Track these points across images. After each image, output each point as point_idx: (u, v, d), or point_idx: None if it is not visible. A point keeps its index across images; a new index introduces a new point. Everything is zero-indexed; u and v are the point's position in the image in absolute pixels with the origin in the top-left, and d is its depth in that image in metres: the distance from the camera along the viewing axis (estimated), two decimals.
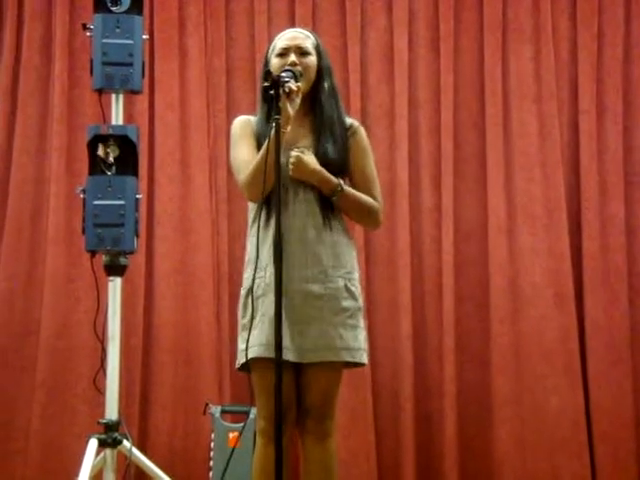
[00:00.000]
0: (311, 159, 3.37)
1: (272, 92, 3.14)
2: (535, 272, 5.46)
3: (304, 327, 3.34)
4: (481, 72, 5.61)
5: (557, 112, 5.57)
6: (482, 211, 5.53)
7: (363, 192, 3.50)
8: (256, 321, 3.33)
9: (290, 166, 3.34)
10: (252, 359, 3.33)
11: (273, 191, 3.24)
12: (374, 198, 3.53)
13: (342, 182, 3.43)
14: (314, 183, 3.39)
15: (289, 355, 3.28)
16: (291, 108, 3.24)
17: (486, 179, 5.53)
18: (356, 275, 3.50)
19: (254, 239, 3.39)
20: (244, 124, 3.55)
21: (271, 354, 3.13)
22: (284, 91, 3.18)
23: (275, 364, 3.00)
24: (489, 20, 5.60)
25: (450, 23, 5.59)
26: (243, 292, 3.46)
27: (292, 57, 3.42)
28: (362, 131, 3.61)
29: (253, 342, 3.30)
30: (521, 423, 5.35)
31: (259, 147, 3.39)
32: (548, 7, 5.61)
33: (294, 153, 3.34)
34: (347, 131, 3.55)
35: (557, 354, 5.40)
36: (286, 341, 3.25)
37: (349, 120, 3.62)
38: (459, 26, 5.64)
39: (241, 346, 3.38)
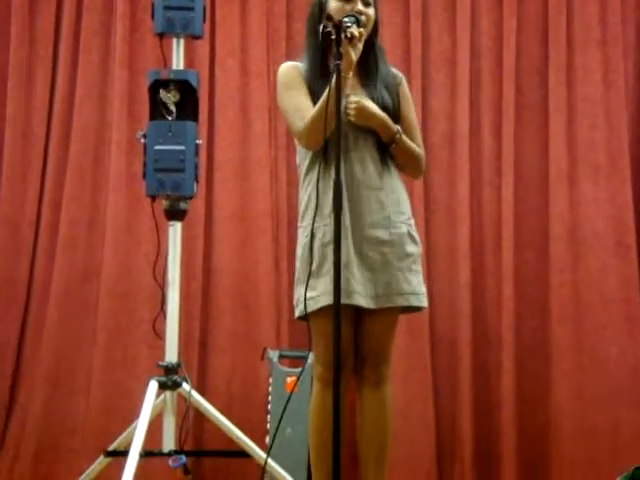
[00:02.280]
0: (372, 104, 3.36)
1: (334, 37, 3.11)
2: (596, 221, 5.40)
3: (372, 273, 3.34)
4: (545, 18, 5.52)
5: (622, 57, 5.48)
6: (543, 159, 5.47)
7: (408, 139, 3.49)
8: (325, 269, 3.31)
9: (352, 112, 3.31)
10: (322, 307, 3.31)
11: (330, 138, 3.23)
12: (418, 146, 3.53)
13: (399, 129, 3.41)
14: (375, 128, 3.38)
15: (361, 300, 3.29)
16: (354, 54, 3.20)
17: (548, 126, 5.46)
18: (413, 220, 3.52)
19: (312, 187, 3.38)
20: (293, 70, 3.50)
21: (346, 300, 3.16)
22: (346, 36, 3.14)
23: (334, 311, 3.00)
24: None
25: None
26: (305, 240, 3.40)
27: (359, 5, 3.36)
28: (405, 83, 3.61)
29: (324, 289, 3.28)
30: (580, 373, 5.31)
31: (312, 94, 3.37)
32: None
33: (354, 99, 3.32)
34: (394, 80, 3.53)
35: (617, 304, 5.35)
36: (358, 287, 3.28)
37: (394, 70, 3.60)
38: None
39: (309, 294, 3.32)
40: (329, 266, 3.27)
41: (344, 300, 3.14)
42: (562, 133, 5.43)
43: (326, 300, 3.28)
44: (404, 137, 3.43)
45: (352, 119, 3.32)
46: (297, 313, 3.43)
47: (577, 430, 5.26)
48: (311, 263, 3.35)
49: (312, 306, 3.33)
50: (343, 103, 3.24)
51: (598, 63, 5.48)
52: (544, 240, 5.43)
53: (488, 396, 5.38)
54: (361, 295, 3.29)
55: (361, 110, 3.32)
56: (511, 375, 5.30)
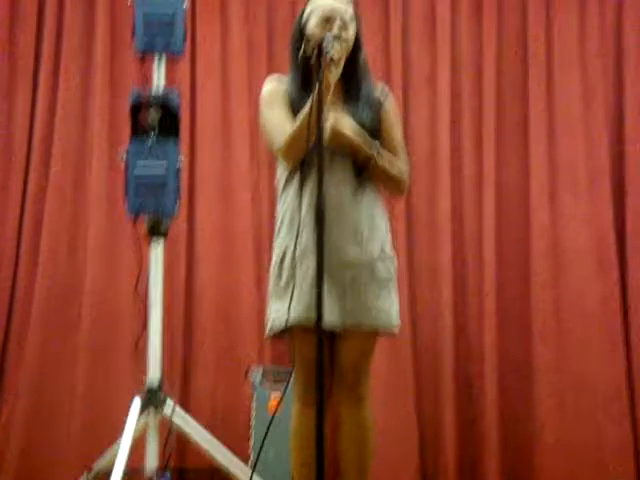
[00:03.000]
0: (348, 126, 3.35)
1: (313, 60, 3.12)
2: (577, 237, 5.44)
3: (342, 293, 3.33)
4: (524, 35, 5.58)
5: (602, 75, 5.53)
6: (524, 176, 5.51)
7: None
8: (291, 287, 3.31)
9: (326, 134, 3.30)
10: (293, 324, 3.31)
11: (306, 156, 3.26)
12: (403, 163, 3.50)
13: (377, 152, 3.39)
14: (347, 151, 3.36)
15: (327, 321, 3.28)
16: (332, 77, 3.20)
17: (528, 144, 5.50)
18: (389, 240, 3.50)
19: (287, 204, 3.41)
20: (277, 85, 3.52)
21: (311, 318, 3.13)
22: (325, 60, 3.13)
23: (315, 331, 2.97)
24: None
25: None
26: (276, 258, 3.43)
27: (335, 29, 3.36)
28: (391, 100, 3.59)
29: (292, 308, 3.28)
30: (562, 388, 5.34)
31: (294, 113, 3.38)
32: None
33: (330, 121, 3.29)
34: (379, 96, 3.53)
35: (599, 320, 5.39)
36: (325, 306, 3.25)
37: (379, 84, 3.60)
38: None
39: (276, 312, 3.35)
40: (298, 283, 3.30)
41: (309, 318, 3.11)
42: (543, 151, 5.47)
43: (297, 318, 3.28)
44: (381, 160, 3.40)
45: (326, 139, 3.29)
46: (266, 331, 3.44)
47: (560, 445, 5.27)
48: (280, 281, 3.37)
49: (278, 325, 3.35)
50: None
51: (577, 82, 5.53)
52: (525, 257, 5.46)
53: (471, 412, 5.39)
54: (328, 315, 3.22)
55: (334, 134, 3.30)
56: (494, 391, 5.31)
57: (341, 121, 3.33)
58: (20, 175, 5.41)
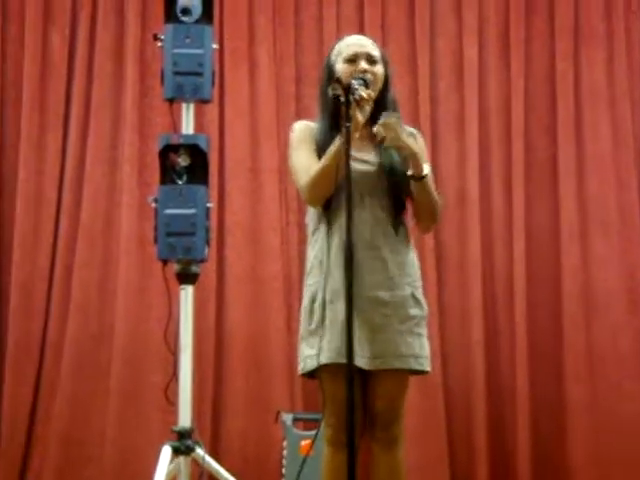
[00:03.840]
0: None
1: (342, 99, 3.12)
2: (608, 278, 5.41)
3: (372, 334, 3.30)
4: (552, 77, 5.57)
5: (630, 115, 5.52)
6: (554, 217, 5.49)
7: None
8: (322, 328, 3.30)
9: (382, 128, 3.21)
10: (323, 365, 3.29)
11: (334, 198, 3.26)
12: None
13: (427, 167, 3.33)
14: (406, 152, 3.28)
15: (357, 361, 3.26)
16: (361, 116, 3.21)
17: (558, 184, 5.49)
18: (420, 283, 3.46)
19: (318, 246, 3.40)
20: (304, 128, 3.52)
21: (341, 360, 3.13)
22: (354, 99, 3.15)
23: (346, 372, 2.98)
24: (560, 24, 5.58)
25: (521, 28, 5.57)
26: (307, 300, 3.42)
27: (363, 64, 3.37)
28: (420, 137, 3.55)
29: (319, 349, 3.27)
30: (596, 430, 5.29)
31: (319, 154, 3.37)
32: (620, 10, 5.56)
33: (387, 118, 3.23)
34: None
35: (632, 360, 5.35)
36: (355, 347, 3.24)
37: (408, 128, 3.58)
38: (530, 31, 5.62)
39: (307, 352, 3.34)
40: (328, 325, 3.29)
41: (340, 360, 3.14)
42: (572, 191, 5.45)
43: (327, 358, 3.27)
44: (430, 178, 3.34)
45: (383, 134, 3.22)
46: (299, 371, 3.43)
47: None
48: (311, 322, 3.36)
49: (310, 365, 3.33)
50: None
51: (606, 120, 5.52)
52: (557, 298, 5.43)
53: (504, 453, 5.36)
54: (358, 355, 3.21)
55: (393, 128, 3.23)
56: (526, 432, 5.27)
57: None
58: (51, 221, 5.45)
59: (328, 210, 3.38)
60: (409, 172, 3.30)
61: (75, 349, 5.34)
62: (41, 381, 5.37)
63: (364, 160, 3.39)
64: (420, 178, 3.30)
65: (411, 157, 3.29)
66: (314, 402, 4.95)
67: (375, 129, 3.20)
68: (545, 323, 5.45)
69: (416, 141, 3.44)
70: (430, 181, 3.35)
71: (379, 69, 3.42)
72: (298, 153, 3.47)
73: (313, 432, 4.59)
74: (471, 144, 5.49)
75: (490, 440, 5.32)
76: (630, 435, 5.27)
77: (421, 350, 3.38)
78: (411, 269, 3.43)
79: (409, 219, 3.49)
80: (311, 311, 3.38)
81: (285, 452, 4.91)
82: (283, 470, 4.89)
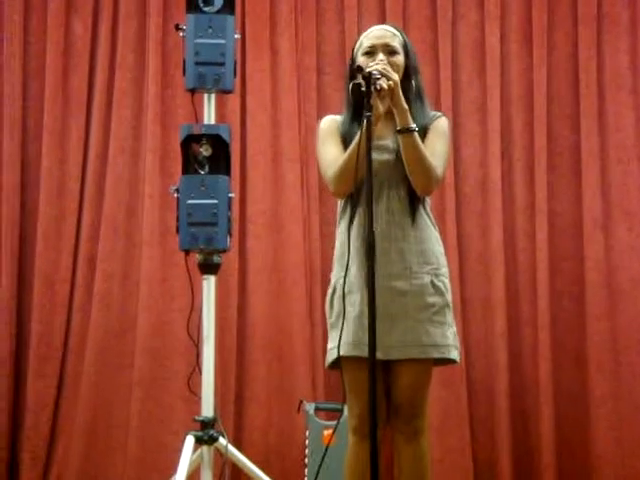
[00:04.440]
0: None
1: (363, 89, 3.12)
2: (632, 268, 5.38)
3: (389, 324, 3.31)
4: (575, 65, 5.53)
5: None
6: (577, 206, 5.46)
7: None
8: (341, 320, 3.31)
9: (384, 85, 3.20)
10: (342, 357, 3.31)
11: (358, 188, 3.25)
12: (437, 164, 3.37)
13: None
14: (394, 106, 3.28)
15: (376, 352, 3.27)
16: (382, 106, 3.21)
17: (581, 173, 5.45)
18: (444, 270, 3.46)
19: (341, 237, 3.43)
20: (330, 123, 3.55)
21: (358, 352, 3.19)
22: (375, 88, 3.15)
23: (369, 363, 2.98)
24: (583, 12, 5.52)
25: (543, 16, 5.52)
26: (329, 290, 3.47)
27: (380, 56, 3.37)
28: (443, 119, 3.53)
29: (338, 341, 3.28)
30: (619, 421, 5.27)
31: (345, 146, 3.39)
32: None
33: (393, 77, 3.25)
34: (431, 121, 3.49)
35: None
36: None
37: (434, 113, 3.56)
38: (553, 19, 5.57)
39: (330, 345, 3.39)
40: (347, 317, 3.30)
41: (357, 352, 3.21)
42: (595, 180, 5.41)
43: (344, 350, 3.29)
44: (417, 138, 3.30)
45: (380, 83, 3.19)
46: (325, 364, 3.48)
47: (617, 477, 5.20)
48: (331, 315, 3.41)
49: (329, 358, 3.38)
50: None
51: (629, 109, 5.48)
52: (580, 287, 5.40)
53: (527, 444, 5.35)
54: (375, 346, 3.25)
55: (392, 86, 3.24)
56: (550, 423, 5.25)
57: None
58: (74, 212, 5.46)
59: (350, 201, 3.40)
60: (397, 127, 3.30)
61: (98, 340, 5.35)
62: (64, 372, 5.39)
63: (383, 147, 3.41)
64: (409, 131, 3.29)
65: (401, 111, 3.29)
66: (336, 392, 4.95)
67: (380, 81, 3.18)
68: (568, 313, 5.42)
69: (435, 120, 3.49)
70: (419, 140, 3.32)
71: (399, 59, 3.43)
72: (325, 147, 3.50)
73: (335, 422, 4.61)
74: (493, 133, 5.46)
75: (513, 432, 5.30)
76: None
77: (443, 339, 3.38)
78: (432, 257, 3.43)
79: (429, 204, 3.49)
80: (331, 303, 3.43)
81: (307, 442, 4.92)
82: (306, 460, 4.90)
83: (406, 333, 3.33)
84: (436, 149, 3.41)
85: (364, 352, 3.11)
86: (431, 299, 3.38)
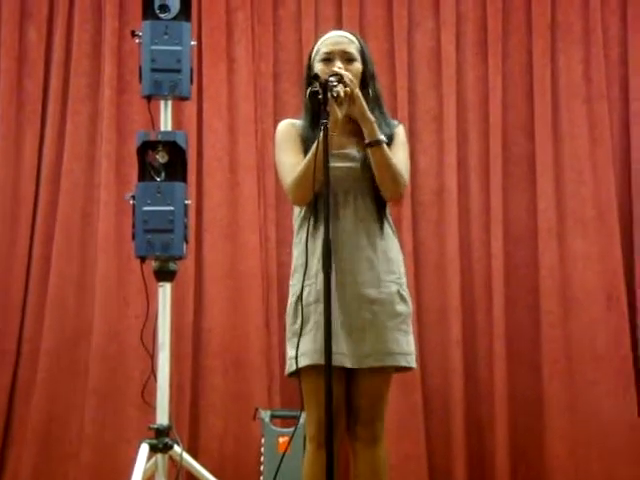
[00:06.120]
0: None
1: (320, 96, 3.12)
2: (586, 276, 5.42)
3: (360, 333, 3.31)
4: (530, 73, 5.58)
5: (607, 113, 5.52)
6: (532, 214, 5.50)
7: None
8: (308, 328, 3.31)
9: (341, 92, 3.20)
10: (307, 365, 3.29)
11: (320, 197, 3.24)
12: (403, 171, 3.39)
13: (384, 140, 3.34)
14: (359, 118, 3.30)
15: (346, 361, 3.26)
16: (340, 112, 3.20)
17: (535, 182, 5.49)
18: (405, 280, 3.47)
19: (302, 246, 3.37)
20: (289, 128, 3.51)
21: (322, 361, 3.13)
22: (332, 95, 3.15)
23: (325, 371, 2.98)
24: (538, 21, 5.57)
25: (498, 25, 5.56)
26: (293, 299, 3.41)
27: (337, 63, 3.37)
28: (401, 128, 3.54)
29: (305, 349, 3.27)
30: (573, 429, 5.30)
31: (305, 152, 3.36)
32: (598, 7, 5.56)
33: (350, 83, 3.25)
34: (390, 129, 3.49)
35: (609, 359, 5.35)
36: (343, 347, 3.25)
37: (392, 121, 3.57)
38: (507, 28, 5.61)
39: (291, 353, 3.34)
40: (312, 325, 3.30)
41: (322, 361, 3.10)
42: (550, 188, 5.45)
43: (307, 360, 3.27)
44: (385, 147, 3.31)
45: (337, 90, 3.19)
46: (285, 372, 3.43)
47: None
48: (295, 322, 3.36)
49: (294, 366, 3.32)
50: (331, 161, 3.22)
51: (584, 118, 5.52)
52: (534, 296, 5.43)
53: (482, 452, 5.37)
54: (345, 355, 3.25)
55: (354, 97, 3.26)
56: (504, 430, 5.28)
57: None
58: (28, 218, 5.43)
59: (312, 209, 3.37)
60: (366, 140, 3.31)
61: (52, 347, 5.32)
62: (18, 378, 5.35)
63: (348, 156, 3.39)
64: (379, 144, 3.30)
65: (368, 123, 3.30)
66: (292, 399, 4.95)
67: (337, 88, 3.19)
68: (523, 321, 5.45)
69: (397, 127, 3.50)
70: (387, 150, 3.33)
71: (355, 66, 3.42)
72: (283, 153, 3.47)
73: (291, 429, 4.61)
74: (449, 141, 5.49)
75: (468, 438, 5.32)
76: (608, 433, 5.28)
77: (408, 347, 3.40)
78: (395, 266, 3.43)
79: (390, 213, 3.49)
80: (295, 312, 3.38)
81: (263, 449, 4.91)
82: (261, 467, 4.89)
83: (378, 341, 3.33)
84: (399, 157, 3.42)
85: (333, 361, 3.07)
86: (399, 308, 3.39)
